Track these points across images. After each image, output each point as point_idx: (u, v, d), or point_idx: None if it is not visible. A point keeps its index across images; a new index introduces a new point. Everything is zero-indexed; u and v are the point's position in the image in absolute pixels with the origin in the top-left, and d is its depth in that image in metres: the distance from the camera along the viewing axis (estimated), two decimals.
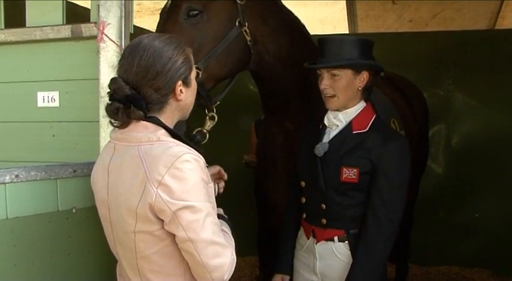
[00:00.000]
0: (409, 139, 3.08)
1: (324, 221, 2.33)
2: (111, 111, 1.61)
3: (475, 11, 5.81)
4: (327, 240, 2.34)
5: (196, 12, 2.35)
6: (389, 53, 4.61)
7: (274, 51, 2.63)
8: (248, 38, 2.47)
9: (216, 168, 1.97)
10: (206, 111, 2.43)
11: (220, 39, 2.39)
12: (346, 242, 2.30)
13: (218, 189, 1.93)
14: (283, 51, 2.66)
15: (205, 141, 2.35)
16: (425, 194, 4.46)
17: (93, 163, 1.77)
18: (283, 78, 2.69)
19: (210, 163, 1.72)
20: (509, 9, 5.89)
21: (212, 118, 2.45)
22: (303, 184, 2.44)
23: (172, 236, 1.58)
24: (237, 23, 2.43)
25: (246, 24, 2.45)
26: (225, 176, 1.98)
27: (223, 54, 2.39)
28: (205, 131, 2.40)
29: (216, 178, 1.95)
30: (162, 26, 2.41)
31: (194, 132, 2.34)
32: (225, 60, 2.42)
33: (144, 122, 1.63)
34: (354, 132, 2.29)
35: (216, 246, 1.57)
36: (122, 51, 2.22)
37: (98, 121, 2.40)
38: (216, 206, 1.72)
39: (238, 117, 5.30)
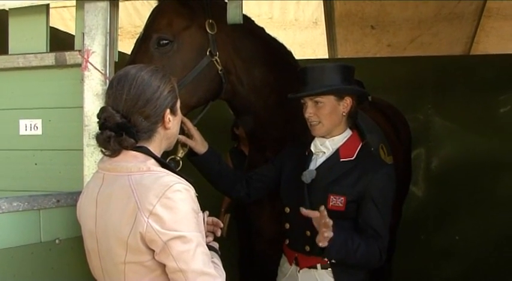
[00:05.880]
0: (395, 164, 3.10)
1: (308, 248, 2.33)
2: (102, 140, 1.62)
3: (451, 36, 5.93)
4: (309, 267, 2.34)
5: (167, 41, 2.38)
6: (369, 78, 4.64)
7: (247, 81, 2.63)
8: (219, 67, 2.48)
9: (210, 218, 1.94)
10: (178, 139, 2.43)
11: (191, 68, 2.41)
12: (329, 269, 2.30)
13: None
14: (257, 81, 2.65)
15: (179, 168, 2.34)
16: (406, 217, 4.48)
17: (77, 193, 1.75)
18: (258, 108, 2.69)
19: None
20: (483, 34, 6.02)
21: (184, 145, 2.46)
22: (287, 209, 2.44)
23: (163, 266, 1.57)
24: (207, 53, 2.44)
25: (217, 53, 2.47)
26: (219, 232, 1.95)
27: (193, 83, 2.41)
28: (178, 158, 2.43)
29: (209, 230, 1.92)
30: (133, 55, 2.43)
31: (168, 160, 2.32)
32: (195, 89, 2.43)
33: (133, 152, 1.64)
34: (341, 160, 2.31)
35: (206, 276, 1.57)
36: (108, 81, 2.23)
37: (82, 150, 2.37)
38: (205, 236, 1.72)
39: (215, 143, 5.24)
